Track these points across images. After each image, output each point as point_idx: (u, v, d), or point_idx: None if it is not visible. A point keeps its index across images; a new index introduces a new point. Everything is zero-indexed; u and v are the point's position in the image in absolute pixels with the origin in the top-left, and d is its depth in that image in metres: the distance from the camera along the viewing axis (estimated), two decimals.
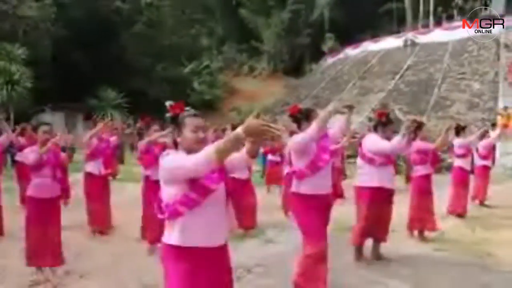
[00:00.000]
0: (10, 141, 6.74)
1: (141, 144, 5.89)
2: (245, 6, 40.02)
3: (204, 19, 37.45)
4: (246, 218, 6.78)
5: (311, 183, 4.15)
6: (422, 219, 6.44)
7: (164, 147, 5.23)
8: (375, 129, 5.39)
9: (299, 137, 4.16)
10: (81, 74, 25.70)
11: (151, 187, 5.43)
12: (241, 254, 5.62)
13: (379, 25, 35.64)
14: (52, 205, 4.85)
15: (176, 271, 2.52)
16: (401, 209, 6.41)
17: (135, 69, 28.65)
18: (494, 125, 15.69)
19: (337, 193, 8.84)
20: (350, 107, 4.43)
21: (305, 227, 4.19)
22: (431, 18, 31.51)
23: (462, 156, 8.33)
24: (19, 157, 8.58)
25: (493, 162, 11.46)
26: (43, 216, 4.76)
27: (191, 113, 2.64)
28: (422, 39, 27.61)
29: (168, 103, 2.67)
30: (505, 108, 17.24)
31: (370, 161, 5.29)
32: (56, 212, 4.92)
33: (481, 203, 9.30)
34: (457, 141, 8.36)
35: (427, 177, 6.51)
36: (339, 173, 10.10)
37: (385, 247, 5.58)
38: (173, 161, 2.47)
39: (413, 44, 27.54)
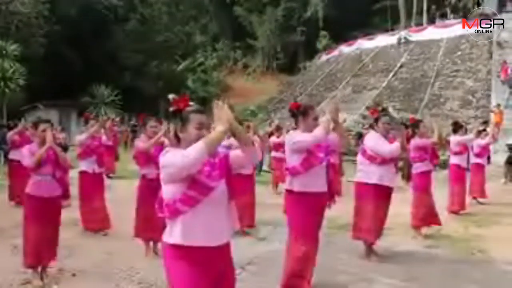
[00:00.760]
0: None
1: (137, 143, 5.86)
2: (239, 4, 40.05)
3: (198, 16, 37.40)
4: (243, 216, 6.76)
5: (304, 180, 4.14)
6: (425, 217, 6.48)
7: (161, 147, 5.16)
8: (373, 127, 5.46)
9: (304, 137, 4.07)
10: (74, 71, 25.59)
11: (147, 185, 5.39)
12: (235, 252, 5.59)
13: (373, 23, 35.79)
14: (52, 205, 4.71)
15: (178, 270, 2.49)
16: (397, 207, 6.46)
17: (129, 66, 28.57)
18: (486, 122, 15.75)
19: (335, 190, 8.84)
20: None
21: (295, 225, 4.19)
22: (424, 16, 31.63)
23: (458, 153, 8.38)
24: (13, 155, 8.47)
25: (489, 161, 11.54)
26: (42, 215, 4.61)
27: (196, 108, 2.60)
28: (416, 37, 27.69)
29: (171, 96, 2.61)
30: (498, 105, 17.35)
31: (371, 158, 5.31)
32: (55, 212, 4.79)
33: (478, 200, 9.37)
34: (454, 139, 8.40)
35: (427, 174, 6.55)
36: (337, 170, 10.10)
37: (378, 244, 5.59)
38: (168, 161, 2.44)
39: (407, 41, 27.62)
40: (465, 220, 7.70)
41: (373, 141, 5.26)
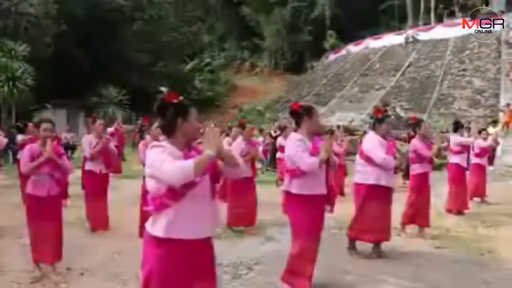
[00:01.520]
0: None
1: (140, 146, 6.06)
2: (246, 3, 40.01)
3: (205, 16, 37.44)
4: (246, 215, 6.82)
5: (302, 182, 4.14)
6: (413, 215, 6.49)
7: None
8: (373, 127, 5.46)
9: (300, 160, 4.05)
10: (82, 71, 25.69)
11: None
12: (242, 251, 5.63)
13: (381, 22, 35.64)
14: (51, 203, 4.81)
15: (157, 260, 2.59)
16: (402, 207, 6.44)
17: (136, 66, 28.65)
18: (495, 122, 15.64)
19: (339, 191, 8.85)
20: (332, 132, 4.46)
21: (294, 225, 4.22)
22: (432, 15, 31.45)
23: (458, 152, 8.32)
24: (20, 155, 8.54)
25: (489, 161, 11.44)
26: (41, 213, 4.76)
27: (190, 103, 2.74)
28: (423, 36, 27.58)
29: (165, 90, 2.74)
30: (507, 105, 17.20)
31: (368, 159, 5.32)
32: (55, 210, 4.89)
33: (482, 201, 9.30)
34: (454, 138, 8.34)
35: (424, 175, 6.53)
36: (342, 171, 10.08)
37: (386, 245, 5.57)
38: (154, 164, 2.50)
39: (415, 41, 27.51)
40: (474, 220, 7.64)
41: (371, 144, 5.32)
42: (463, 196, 8.24)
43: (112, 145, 7.25)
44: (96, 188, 6.80)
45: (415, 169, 6.52)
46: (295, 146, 4.13)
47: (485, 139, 9.35)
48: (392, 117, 18.86)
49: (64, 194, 5.15)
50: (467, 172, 8.82)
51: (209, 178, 2.65)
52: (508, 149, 14.37)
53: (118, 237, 6.45)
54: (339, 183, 9.31)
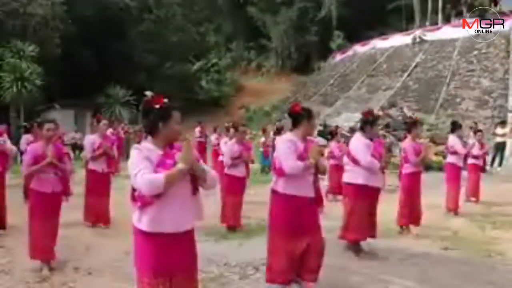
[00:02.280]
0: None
1: None
2: (253, 4, 39.98)
3: (211, 17, 37.46)
4: (229, 215, 7.00)
5: (288, 183, 4.12)
6: (408, 215, 6.54)
7: None
8: (362, 128, 5.47)
9: (290, 163, 4.04)
10: (89, 71, 25.81)
11: None
12: (249, 252, 5.62)
13: (388, 22, 35.46)
14: (53, 200, 4.96)
15: (144, 251, 2.83)
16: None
17: (143, 66, 28.71)
18: (503, 122, 15.52)
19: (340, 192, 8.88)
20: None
21: (271, 221, 4.22)
22: (439, 15, 31.27)
23: (455, 152, 8.32)
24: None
25: (484, 163, 11.50)
26: (44, 210, 4.89)
27: (173, 106, 2.87)
28: (431, 36, 27.37)
29: (149, 93, 2.88)
30: None
31: (354, 161, 5.35)
32: (56, 207, 5.04)
33: (476, 201, 9.29)
34: (452, 139, 8.35)
35: (415, 175, 6.58)
36: (343, 172, 10.06)
37: (394, 246, 5.56)
38: (132, 166, 2.72)
39: (422, 41, 27.33)
40: (482, 222, 7.59)
41: (358, 146, 5.35)
42: (454, 195, 8.26)
43: (114, 150, 7.57)
44: (98, 186, 7.09)
45: (407, 168, 6.60)
46: (284, 147, 4.14)
47: (480, 140, 9.50)
48: (399, 118, 18.79)
49: (67, 191, 5.21)
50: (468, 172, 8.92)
51: (189, 176, 2.80)
52: None
53: (125, 237, 6.42)
54: (340, 183, 9.34)
